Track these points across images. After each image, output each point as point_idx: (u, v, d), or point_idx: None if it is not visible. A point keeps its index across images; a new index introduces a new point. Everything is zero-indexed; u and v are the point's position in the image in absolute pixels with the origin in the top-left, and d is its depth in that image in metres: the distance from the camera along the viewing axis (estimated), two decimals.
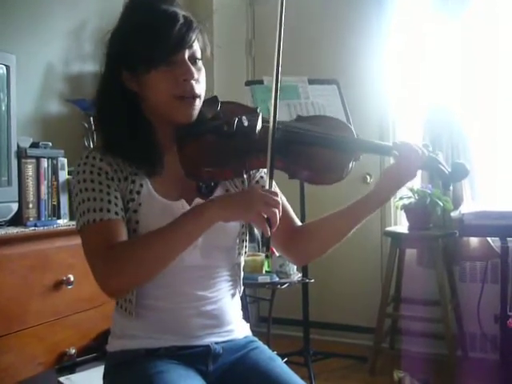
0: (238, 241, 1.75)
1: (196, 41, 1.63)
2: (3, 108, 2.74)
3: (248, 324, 1.88)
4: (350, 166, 1.67)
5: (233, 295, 1.79)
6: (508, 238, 3.18)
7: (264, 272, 3.69)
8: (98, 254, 1.51)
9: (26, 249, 2.66)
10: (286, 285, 3.70)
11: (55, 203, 3.07)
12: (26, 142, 2.95)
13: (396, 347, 4.37)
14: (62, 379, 2.64)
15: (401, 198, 4.00)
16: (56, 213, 3.08)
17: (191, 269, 1.65)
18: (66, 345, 2.79)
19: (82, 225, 1.56)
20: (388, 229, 4.27)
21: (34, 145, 3.01)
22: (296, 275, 3.80)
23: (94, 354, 2.83)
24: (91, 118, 3.28)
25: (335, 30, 4.59)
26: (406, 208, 4.00)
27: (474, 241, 3.99)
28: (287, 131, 1.66)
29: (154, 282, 1.57)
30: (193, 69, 1.61)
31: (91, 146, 3.42)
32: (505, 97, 4.13)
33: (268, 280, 3.64)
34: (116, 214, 1.56)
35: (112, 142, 1.64)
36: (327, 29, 4.62)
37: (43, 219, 2.98)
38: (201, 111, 1.65)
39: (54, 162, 3.08)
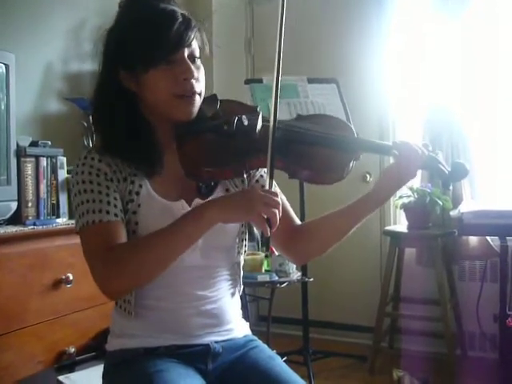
0: (237, 240, 1.75)
1: (195, 39, 1.62)
2: (2, 107, 2.74)
3: (248, 323, 1.88)
4: (351, 165, 1.66)
5: (232, 294, 1.79)
6: (507, 237, 3.18)
7: (263, 271, 3.70)
8: (98, 256, 1.51)
9: (25, 248, 2.66)
10: (285, 284, 3.71)
11: (54, 202, 3.07)
12: (25, 141, 2.96)
13: (395, 346, 4.37)
14: (61, 378, 2.64)
15: (400, 197, 4.00)
16: (55, 212, 3.08)
17: (191, 269, 1.65)
18: (66, 344, 2.79)
19: (81, 226, 1.56)
20: (387, 228, 4.27)
21: (34, 144, 3.01)
22: (295, 274, 3.80)
23: (94, 353, 2.83)
24: (90, 117, 3.28)
25: (335, 30, 4.59)
26: (405, 207, 4.00)
27: (473, 240, 3.99)
28: (287, 130, 1.65)
29: (155, 282, 1.57)
30: (193, 67, 1.60)
31: (90, 145, 3.42)
32: (505, 96, 4.13)
33: (267, 279, 3.64)
34: (115, 215, 1.56)
35: (110, 142, 1.63)
36: (327, 28, 4.62)
37: (42, 218, 2.98)
38: (200, 109, 1.64)
39: (54, 160, 3.08)
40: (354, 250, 4.27)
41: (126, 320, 1.66)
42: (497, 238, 3.37)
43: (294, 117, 1.82)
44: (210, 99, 1.69)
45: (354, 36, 4.50)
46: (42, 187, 3.01)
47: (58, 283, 2.75)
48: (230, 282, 1.77)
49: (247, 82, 3.79)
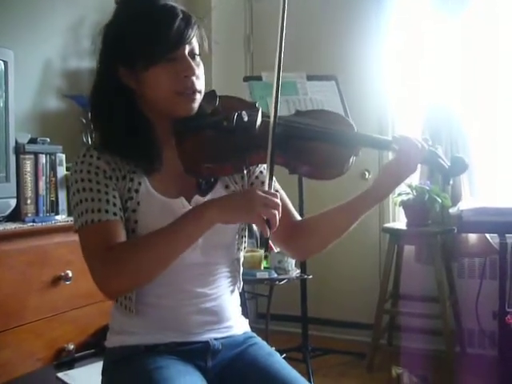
0: (237, 237, 1.75)
1: (194, 36, 1.62)
2: (1, 104, 2.74)
3: (247, 320, 1.88)
4: (351, 160, 1.66)
5: (232, 291, 1.79)
6: (506, 235, 3.18)
7: (262, 268, 3.69)
8: (97, 256, 1.51)
9: (24, 245, 2.66)
10: (284, 281, 3.70)
11: (53, 199, 3.07)
12: (24, 138, 2.95)
13: (394, 343, 4.37)
14: (60, 375, 2.64)
15: (399, 195, 4.00)
16: (54, 209, 3.07)
17: (191, 266, 1.64)
18: (65, 340, 2.79)
19: (79, 226, 1.56)
20: (386, 225, 4.27)
21: (32, 140, 3.01)
22: (294, 271, 3.79)
23: (93, 350, 2.83)
24: (89, 114, 3.28)
25: (334, 27, 4.59)
26: (404, 204, 4.00)
27: (472, 237, 3.99)
28: (287, 126, 1.65)
29: (155, 280, 1.57)
30: (193, 64, 1.60)
31: (89, 142, 3.42)
32: (504, 94, 4.13)
33: (266, 276, 3.64)
34: (114, 214, 1.56)
35: (109, 139, 1.63)
36: (326, 25, 4.61)
37: (41, 215, 2.98)
38: (200, 105, 1.64)
39: (52, 157, 3.08)
40: (353, 247, 4.27)
41: (127, 317, 1.66)
42: (496, 235, 3.38)
43: (293, 113, 1.81)
44: (208, 95, 1.68)
45: (353, 33, 4.49)
46: (41, 184, 3.00)
47: (57, 280, 2.75)
48: (229, 279, 1.77)
49: (246, 79, 3.79)
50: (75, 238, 1.59)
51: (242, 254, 1.80)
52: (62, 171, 3.12)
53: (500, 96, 4.15)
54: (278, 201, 1.47)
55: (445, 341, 3.79)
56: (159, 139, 1.65)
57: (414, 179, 4.02)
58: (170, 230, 1.50)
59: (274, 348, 1.82)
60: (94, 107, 1.70)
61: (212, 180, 1.70)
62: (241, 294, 1.87)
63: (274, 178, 1.54)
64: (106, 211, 1.54)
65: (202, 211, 1.50)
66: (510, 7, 4.08)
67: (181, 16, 1.57)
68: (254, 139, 1.59)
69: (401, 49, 4.43)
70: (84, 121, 3.46)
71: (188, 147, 1.60)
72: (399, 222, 4.42)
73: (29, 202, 2.94)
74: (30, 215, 2.91)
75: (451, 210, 3.74)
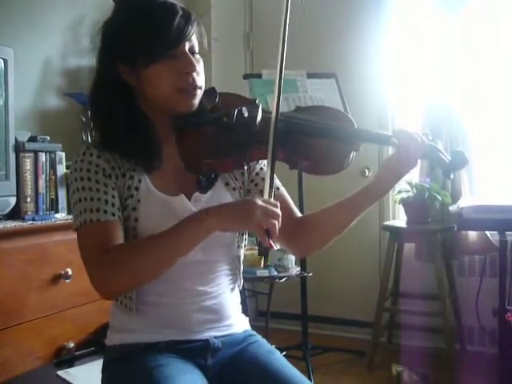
0: (237, 234, 1.75)
1: (194, 33, 1.62)
2: (1, 102, 2.73)
3: (247, 318, 1.88)
4: (351, 156, 1.66)
5: (232, 289, 1.79)
6: (507, 232, 3.17)
7: (262, 266, 3.69)
8: (94, 257, 1.52)
9: (23, 243, 2.66)
10: (284, 279, 3.71)
11: (53, 197, 3.07)
12: (23, 136, 2.95)
13: (394, 341, 4.37)
14: (60, 373, 2.64)
15: (399, 192, 4.00)
16: (54, 207, 3.07)
17: (192, 264, 1.64)
18: (65, 339, 2.79)
19: (78, 225, 1.56)
20: (386, 223, 4.27)
21: (32, 139, 3.00)
22: (294, 269, 3.80)
23: (93, 348, 2.83)
24: (89, 112, 3.28)
25: (334, 25, 4.58)
26: (404, 202, 4.00)
27: (472, 235, 3.99)
28: (287, 122, 1.65)
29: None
30: (194, 61, 1.60)
31: (89, 140, 3.43)
32: (504, 93, 4.13)
33: (266, 274, 3.64)
34: (113, 214, 1.56)
35: (109, 137, 1.63)
36: (326, 23, 4.61)
37: (41, 213, 2.98)
38: (200, 102, 1.64)
39: (52, 155, 3.07)
40: (353, 245, 4.28)
41: (127, 316, 1.66)
42: (496, 232, 3.37)
43: (293, 109, 1.82)
44: (209, 92, 1.68)
45: (353, 31, 4.49)
46: (41, 182, 3.00)
47: (56, 278, 2.75)
48: (230, 277, 1.77)
49: (246, 76, 3.79)
50: (75, 236, 1.59)
51: (242, 252, 1.80)
52: (61, 169, 3.11)
53: (500, 94, 4.15)
54: (279, 211, 1.47)
55: (445, 338, 3.79)
56: (159, 136, 1.65)
57: (414, 177, 4.02)
58: (169, 235, 1.50)
59: (274, 346, 1.82)
60: (93, 105, 1.70)
61: (212, 176, 1.70)
62: (241, 292, 1.87)
63: (274, 176, 1.54)
64: (105, 211, 1.55)
65: (202, 218, 1.50)
66: (510, 6, 4.08)
67: (181, 13, 1.58)
68: (254, 135, 1.60)
69: (401, 47, 4.43)
70: (84, 119, 3.46)
71: (188, 143, 1.60)
72: (399, 219, 4.42)
73: (28, 200, 2.93)
74: (29, 213, 2.91)
75: (451, 208, 3.73)
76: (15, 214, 2.85)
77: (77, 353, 2.81)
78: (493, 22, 4.10)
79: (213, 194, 1.69)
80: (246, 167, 1.72)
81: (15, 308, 2.58)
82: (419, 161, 1.69)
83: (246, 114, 1.60)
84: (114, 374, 1.67)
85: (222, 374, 1.70)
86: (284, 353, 3.34)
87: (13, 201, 2.80)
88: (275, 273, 3.70)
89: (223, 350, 1.71)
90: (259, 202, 1.46)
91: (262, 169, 1.80)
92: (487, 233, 3.89)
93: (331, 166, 1.66)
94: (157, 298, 1.64)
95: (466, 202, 3.40)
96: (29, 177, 2.93)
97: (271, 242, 1.45)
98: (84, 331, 2.89)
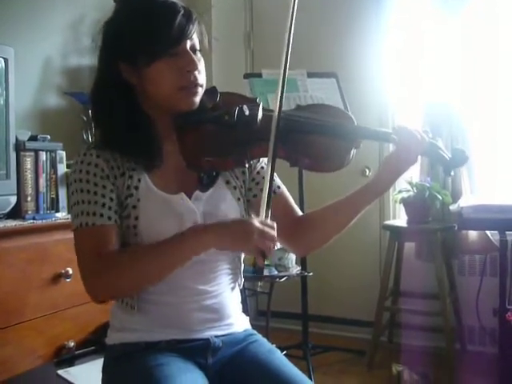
0: None
1: (195, 32, 1.62)
2: (1, 101, 2.74)
3: (247, 317, 1.88)
4: (351, 153, 1.66)
5: (232, 288, 1.79)
6: (507, 232, 3.18)
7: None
8: (88, 262, 1.55)
9: (24, 242, 2.66)
10: (284, 278, 3.71)
11: (54, 196, 3.07)
12: (24, 135, 2.95)
13: (394, 341, 4.37)
14: (60, 372, 2.64)
15: (399, 192, 4.00)
16: (54, 206, 3.07)
17: (193, 263, 1.63)
18: (65, 338, 2.79)
19: (75, 228, 1.58)
20: (387, 222, 4.27)
21: (33, 138, 3.00)
22: (295, 268, 3.80)
23: (93, 347, 2.83)
24: (89, 111, 3.28)
25: (334, 24, 4.58)
26: (404, 201, 4.00)
27: (472, 234, 3.99)
28: (287, 120, 1.65)
29: None
30: (195, 59, 1.60)
31: (90, 139, 3.43)
32: (504, 92, 4.13)
33: (267, 273, 3.64)
34: (109, 218, 1.57)
35: (110, 136, 1.64)
36: (326, 22, 4.61)
37: (42, 212, 2.98)
38: (201, 100, 1.65)
39: (53, 155, 3.08)
40: (353, 244, 4.28)
41: (129, 314, 1.66)
42: (496, 232, 3.37)
43: (293, 107, 1.82)
44: (209, 91, 1.69)
45: (353, 31, 4.49)
46: (42, 181, 3.00)
47: (57, 277, 2.75)
48: (230, 276, 1.77)
49: (246, 76, 3.79)
50: None
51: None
52: (62, 168, 3.12)
53: (500, 93, 4.14)
54: (275, 233, 1.48)
55: (445, 338, 3.79)
56: (160, 135, 1.65)
57: (415, 176, 4.02)
58: (165, 249, 1.52)
59: (274, 345, 1.82)
60: (94, 104, 1.70)
61: (213, 174, 1.71)
62: (241, 291, 1.87)
63: (274, 177, 1.54)
64: (101, 215, 1.56)
65: (199, 235, 1.51)
66: (510, 6, 4.08)
67: (182, 12, 1.58)
68: (255, 133, 1.61)
69: (401, 47, 4.43)
70: (84, 118, 3.46)
71: (189, 141, 1.61)
72: (399, 219, 4.42)
73: (29, 199, 2.94)
74: (30, 212, 2.91)
75: (451, 207, 3.74)
76: (16, 213, 2.85)
77: (77, 352, 2.81)
78: (493, 22, 4.10)
79: (213, 193, 1.69)
80: (247, 165, 1.72)
81: (16, 307, 2.58)
82: (419, 158, 1.70)
83: (247, 112, 1.61)
84: (115, 373, 1.67)
85: (223, 374, 1.70)
86: (284, 352, 3.34)
87: (13, 200, 2.81)
88: (276, 272, 3.70)
89: (224, 350, 1.71)
90: (257, 223, 1.47)
91: (262, 168, 1.80)
92: (487, 232, 3.89)
93: (332, 164, 1.67)
94: (158, 296, 1.64)
95: (467, 201, 3.40)
96: (29, 176, 2.93)
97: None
98: (84, 330, 2.89)
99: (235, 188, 1.74)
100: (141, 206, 1.60)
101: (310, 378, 3.46)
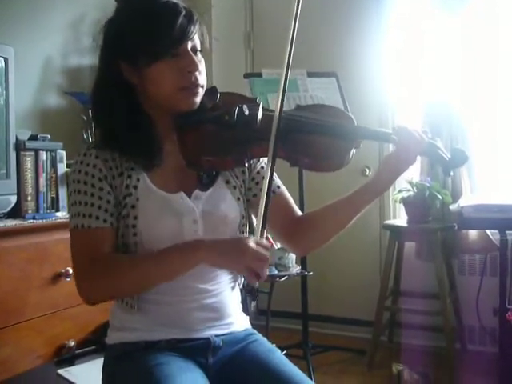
0: (238, 232, 1.74)
1: (196, 33, 1.62)
2: (1, 101, 2.73)
3: (247, 317, 1.88)
4: (351, 153, 1.66)
5: (233, 288, 1.79)
6: (507, 231, 3.17)
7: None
8: (81, 264, 1.57)
9: (24, 241, 2.66)
10: (284, 277, 3.71)
11: (54, 196, 3.07)
12: (24, 135, 2.95)
13: (395, 340, 4.37)
14: (61, 372, 2.64)
15: (400, 191, 4.00)
16: (55, 205, 3.07)
17: None
18: (65, 337, 2.79)
19: (71, 228, 1.60)
20: (387, 222, 4.27)
21: (33, 137, 3.01)
22: (295, 268, 3.80)
23: (93, 347, 2.83)
24: (90, 111, 3.28)
25: (335, 24, 4.58)
26: (404, 201, 4.00)
27: (473, 234, 3.99)
28: (287, 119, 1.65)
29: None
30: (196, 60, 1.61)
31: (90, 139, 3.43)
32: (504, 92, 4.13)
33: (267, 273, 3.63)
34: (104, 221, 1.58)
35: (110, 135, 1.64)
36: (327, 22, 4.60)
37: (42, 212, 2.98)
38: (201, 101, 1.65)
39: (53, 154, 3.08)
40: (353, 244, 4.28)
41: (129, 314, 1.67)
42: (497, 231, 3.37)
43: (293, 107, 1.82)
44: (210, 91, 1.70)
45: (353, 30, 4.49)
46: (42, 181, 3.00)
47: (57, 277, 2.75)
48: (230, 276, 1.77)
49: (246, 76, 3.79)
50: None
51: None
52: (62, 168, 3.12)
53: (500, 93, 4.14)
54: (268, 254, 1.48)
55: (445, 337, 3.79)
56: (160, 135, 1.66)
57: (415, 176, 4.02)
58: (157, 260, 1.54)
59: (274, 345, 1.82)
60: (95, 103, 1.71)
61: (213, 174, 1.71)
62: (241, 291, 1.87)
63: (273, 177, 1.55)
64: (97, 217, 1.57)
65: (192, 250, 1.52)
66: (510, 6, 4.08)
67: (183, 13, 1.59)
68: (255, 133, 1.61)
69: (401, 46, 4.43)
70: (84, 118, 3.46)
71: (190, 141, 1.61)
72: (400, 218, 4.42)
73: (29, 198, 2.94)
74: (30, 212, 2.91)
75: (452, 207, 3.74)
76: (16, 212, 2.85)
77: (77, 351, 2.81)
78: (493, 22, 4.10)
79: (213, 192, 1.69)
80: (246, 164, 1.72)
81: (16, 307, 2.58)
82: (419, 158, 1.70)
83: (247, 112, 1.61)
84: (115, 372, 1.67)
85: (223, 373, 1.70)
86: (284, 352, 3.34)
87: (13, 199, 2.81)
88: (276, 272, 3.70)
89: (224, 349, 1.72)
90: (251, 243, 1.46)
91: (262, 167, 1.80)
92: (488, 232, 3.89)
93: (332, 163, 1.67)
94: (158, 295, 1.64)
95: (467, 201, 3.40)
96: (29, 175, 2.94)
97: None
98: (84, 330, 2.89)
99: (235, 187, 1.74)
100: (140, 205, 1.60)
101: (310, 378, 3.45)
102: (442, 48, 4.13)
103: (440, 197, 3.84)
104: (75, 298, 2.79)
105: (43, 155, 3.02)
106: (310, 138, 1.67)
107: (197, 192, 1.66)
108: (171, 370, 1.55)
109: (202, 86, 1.63)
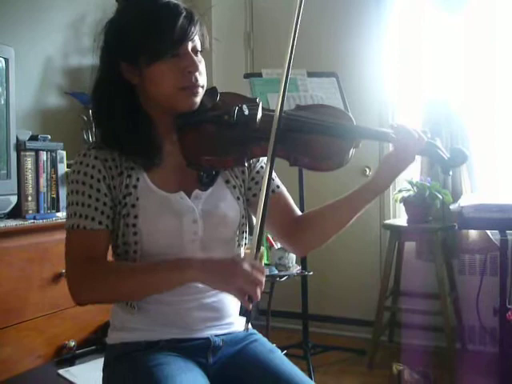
0: (237, 232, 1.74)
1: (197, 33, 1.63)
2: (2, 101, 2.73)
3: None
4: (350, 152, 1.66)
5: None
6: (507, 231, 3.17)
7: (263, 264, 3.69)
8: (75, 265, 1.57)
9: (24, 241, 2.66)
10: (284, 277, 3.71)
11: (54, 196, 3.07)
12: (25, 135, 2.95)
13: (395, 340, 4.38)
14: (61, 372, 2.64)
15: (400, 191, 4.00)
16: (55, 205, 3.08)
17: None
18: (66, 337, 2.79)
19: (67, 227, 1.60)
20: (387, 222, 4.27)
21: (33, 138, 3.00)
22: (295, 268, 3.80)
23: (94, 347, 2.83)
24: (90, 111, 3.28)
25: (334, 24, 4.59)
26: (405, 201, 4.00)
27: (473, 234, 3.99)
28: (287, 119, 1.65)
29: None
30: (197, 60, 1.61)
31: (90, 139, 3.43)
32: (504, 91, 4.13)
33: (267, 273, 3.64)
34: (100, 223, 1.59)
35: (110, 135, 1.64)
36: (326, 22, 4.61)
37: (42, 212, 2.98)
38: (201, 101, 1.65)
39: (53, 154, 3.08)
40: (353, 243, 4.28)
41: (128, 314, 1.67)
42: (497, 231, 3.37)
43: (293, 107, 1.82)
44: (210, 91, 1.70)
45: (353, 30, 4.49)
46: (42, 181, 3.00)
47: (57, 277, 2.75)
48: None
49: (247, 76, 3.79)
50: None
51: (242, 250, 1.80)
52: (62, 168, 3.12)
53: (500, 92, 4.14)
54: (263, 278, 1.45)
55: (445, 337, 3.80)
56: (160, 135, 1.66)
57: (415, 176, 4.02)
58: (149, 274, 1.54)
59: (274, 345, 1.82)
60: (95, 103, 1.71)
61: (213, 173, 1.71)
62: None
63: (272, 178, 1.54)
64: (93, 219, 1.58)
65: (185, 268, 1.50)
66: (510, 6, 4.08)
67: (184, 13, 1.59)
68: (254, 132, 1.61)
69: (401, 46, 4.43)
70: (85, 118, 3.46)
71: (190, 141, 1.62)
72: (400, 218, 4.42)
73: (30, 198, 2.94)
74: (30, 212, 2.91)
75: (452, 207, 3.73)
76: (16, 212, 2.85)
77: (78, 351, 2.81)
78: (493, 21, 4.10)
79: (213, 192, 1.69)
80: (246, 164, 1.72)
81: (16, 307, 2.58)
82: (418, 158, 1.70)
83: (247, 112, 1.62)
84: (115, 372, 1.67)
85: (223, 373, 1.70)
86: (285, 351, 3.34)
87: (14, 200, 2.81)
88: (276, 272, 3.70)
89: (224, 349, 1.72)
90: (245, 265, 1.44)
91: (262, 167, 1.81)
92: (488, 232, 3.89)
93: (331, 163, 1.67)
94: (158, 295, 1.64)
95: (467, 200, 3.40)
96: (30, 176, 2.94)
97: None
98: (85, 330, 2.89)
99: (235, 187, 1.74)
100: (140, 204, 1.61)
101: (311, 378, 3.45)
102: (442, 47, 4.13)
103: (440, 196, 3.84)
104: None
105: (44, 155, 3.02)
106: (309, 138, 1.67)
107: (197, 192, 1.66)
108: (171, 370, 1.55)
109: (202, 87, 1.64)
